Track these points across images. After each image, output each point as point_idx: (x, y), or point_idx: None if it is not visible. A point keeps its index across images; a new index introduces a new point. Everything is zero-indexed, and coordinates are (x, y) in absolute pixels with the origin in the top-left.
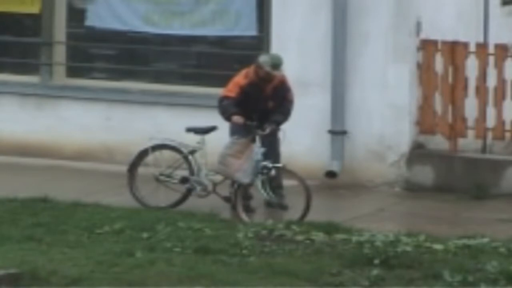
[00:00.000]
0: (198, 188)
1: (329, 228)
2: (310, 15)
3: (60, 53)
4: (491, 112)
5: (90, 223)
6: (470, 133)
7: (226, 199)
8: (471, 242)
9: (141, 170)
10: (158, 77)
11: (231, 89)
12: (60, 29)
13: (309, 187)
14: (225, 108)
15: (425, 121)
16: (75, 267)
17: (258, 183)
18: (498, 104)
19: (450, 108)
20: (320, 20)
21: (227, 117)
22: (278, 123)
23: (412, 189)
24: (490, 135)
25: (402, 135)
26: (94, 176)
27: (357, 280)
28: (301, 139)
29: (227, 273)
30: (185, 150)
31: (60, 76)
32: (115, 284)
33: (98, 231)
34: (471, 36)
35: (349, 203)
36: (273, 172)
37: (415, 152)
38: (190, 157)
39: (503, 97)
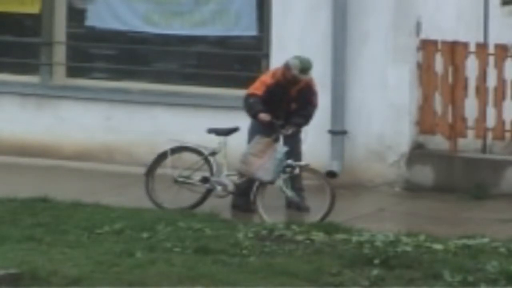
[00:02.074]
0: (219, 188)
1: (329, 228)
2: (310, 15)
3: (60, 53)
4: (491, 112)
5: (90, 223)
6: (470, 133)
7: (244, 200)
8: (471, 242)
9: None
10: (158, 77)
11: (257, 87)
12: (60, 29)
13: (333, 187)
14: (252, 105)
15: (425, 121)
16: (75, 267)
17: (281, 182)
18: (498, 104)
19: (450, 108)
20: (320, 20)
21: (253, 114)
22: (299, 126)
23: (412, 189)
24: (490, 135)
25: (402, 135)
26: (94, 176)
27: (357, 280)
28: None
29: (227, 273)
30: (205, 152)
31: (60, 76)
32: (115, 284)
33: (98, 231)
34: (471, 36)
35: (349, 203)
36: (297, 170)
37: (415, 152)
38: (210, 158)
39: (503, 97)
